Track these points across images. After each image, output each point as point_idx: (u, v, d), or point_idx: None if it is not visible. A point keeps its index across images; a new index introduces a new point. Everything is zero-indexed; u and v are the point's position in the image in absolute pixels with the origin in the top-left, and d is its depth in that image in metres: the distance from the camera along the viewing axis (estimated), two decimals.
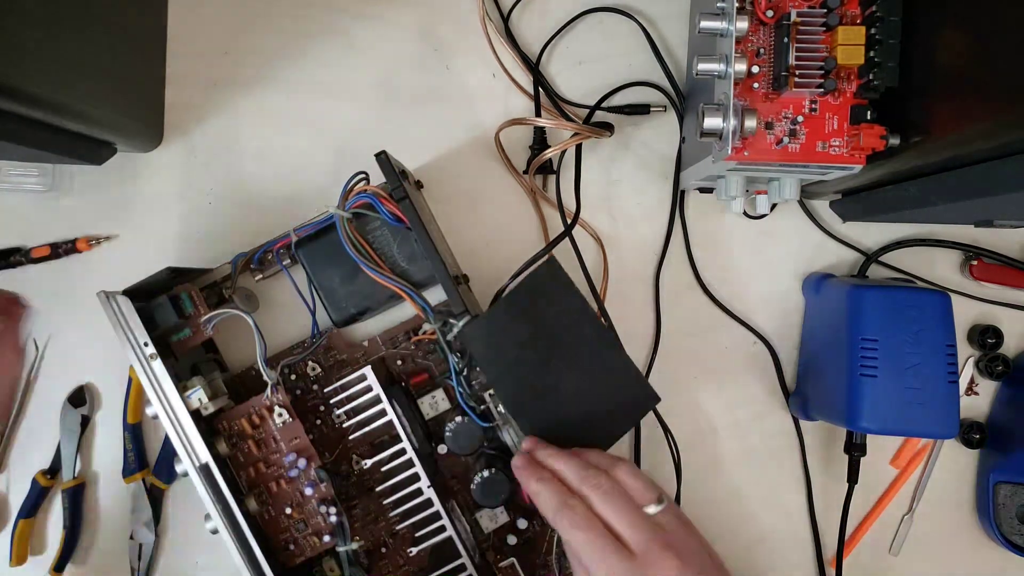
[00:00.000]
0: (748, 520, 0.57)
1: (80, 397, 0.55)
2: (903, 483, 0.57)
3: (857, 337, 0.48)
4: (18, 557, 0.54)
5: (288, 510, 0.49)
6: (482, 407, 0.49)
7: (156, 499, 0.55)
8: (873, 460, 0.55)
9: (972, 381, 0.57)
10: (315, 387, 0.52)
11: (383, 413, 0.50)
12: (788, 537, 0.57)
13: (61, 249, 0.54)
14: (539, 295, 0.46)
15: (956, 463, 0.57)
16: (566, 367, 0.45)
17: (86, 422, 0.55)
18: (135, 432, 0.54)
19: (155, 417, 0.46)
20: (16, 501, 0.55)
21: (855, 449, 0.52)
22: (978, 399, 0.57)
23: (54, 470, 0.55)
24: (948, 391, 0.47)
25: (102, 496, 0.55)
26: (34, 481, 0.54)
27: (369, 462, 0.51)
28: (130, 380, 0.54)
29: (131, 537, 0.54)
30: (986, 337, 0.55)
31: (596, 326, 0.46)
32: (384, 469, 0.51)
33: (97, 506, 0.55)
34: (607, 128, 0.54)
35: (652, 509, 0.40)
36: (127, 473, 0.54)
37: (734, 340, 0.57)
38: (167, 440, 0.55)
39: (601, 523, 0.39)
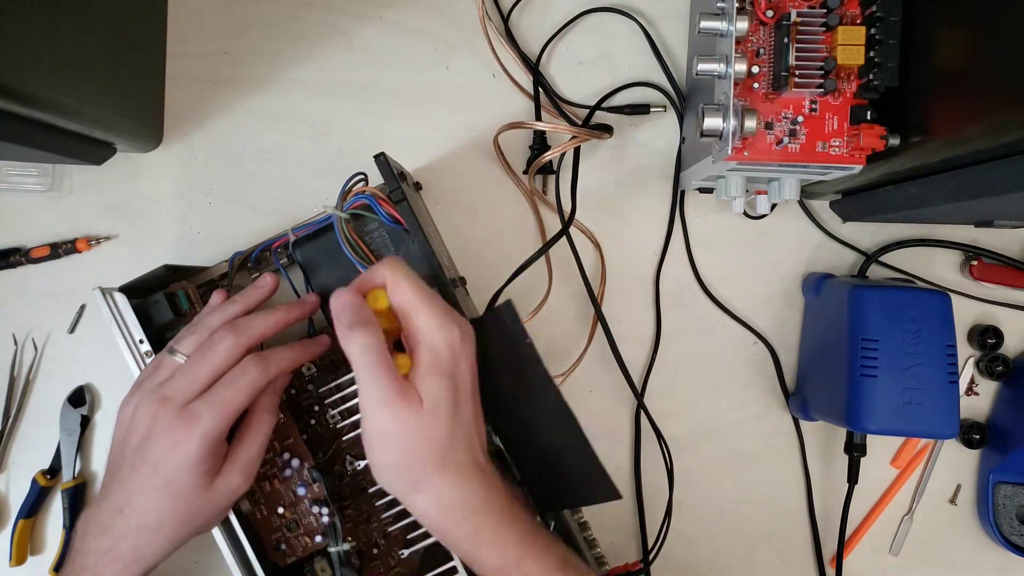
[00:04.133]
0: (748, 520, 0.57)
1: (80, 397, 0.55)
2: (903, 483, 0.57)
3: (857, 337, 0.48)
4: (18, 557, 0.54)
5: (280, 510, 0.48)
6: None
7: None
8: (873, 460, 0.55)
9: (972, 381, 0.57)
10: (310, 387, 0.52)
11: None
12: (788, 537, 0.57)
13: (61, 249, 0.55)
14: (502, 338, 0.43)
15: (956, 463, 0.57)
16: (531, 416, 0.44)
17: (86, 422, 0.55)
18: None
19: None
20: (16, 501, 0.55)
21: (855, 449, 0.52)
22: (978, 399, 0.57)
23: (54, 470, 0.55)
24: (948, 391, 0.47)
25: None
26: (34, 481, 0.54)
27: (363, 463, 0.51)
28: None
29: None
30: (986, 337, 0.55)
31: (559, 406, 0.43)
32: None
33: None
34: (606, 130, 0.54)
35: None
36: None
37: (734, 340, 0.57)
38: None
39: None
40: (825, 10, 0.42)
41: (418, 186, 0.55)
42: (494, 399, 0.44)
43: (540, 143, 0.55)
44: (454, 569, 0.49)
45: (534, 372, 0.42)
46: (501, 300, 0.49)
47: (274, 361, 0.44)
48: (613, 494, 0.42)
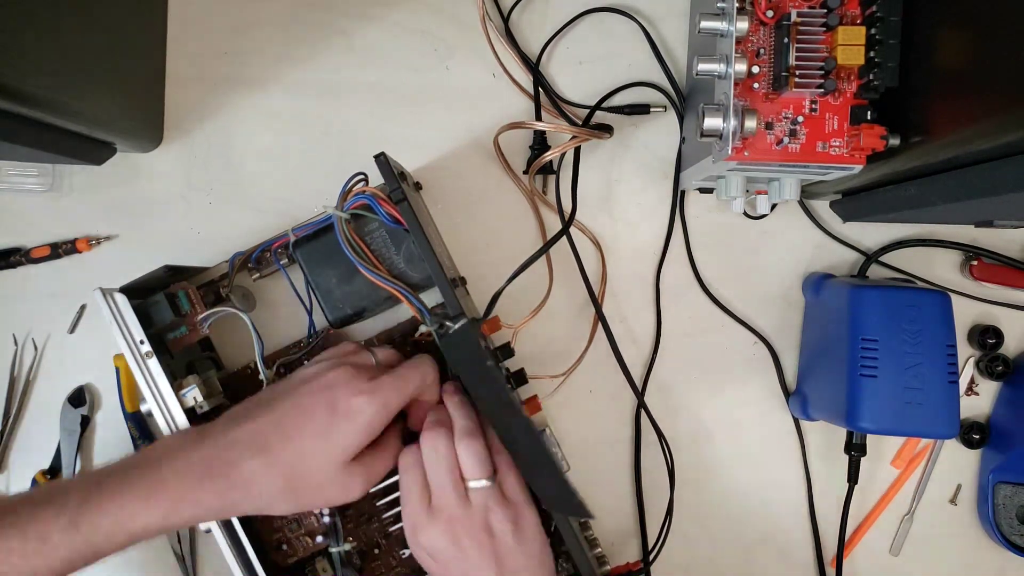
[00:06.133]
0: (748, 520, 0.57)
1: (80, 397, 0.55)
2: (903, 483, 0.57)
3: (857, 337, 0.48)
4: None
5: None
6: None
7: None
8: (873, 460, 0.55)
9: (972, 381, 0.57)
10: None
11: None
12: (788, 537, 0.57)
13: (61, 249, 0.55)
14: (468, 357, 0.43)
15: (956, 463, 0.57)
16: (509, 428, 0.44)
17: (86, 422, 0.55)
18: (137, 420, 0.54)
19: (149, 414, 0.46)
20: None
21: (855, 449, 0.52)
22: (978, 399, 0.57)
23: (54, 470, 0.55)
24: (948, 391, 0.47)
25: None
26: (34, 481, 0.54)
27: None
28: (117, 369, 0.54)
29: None
30: (986, 337, 0.55)
31: (528, 432, 0.43)
32: None
33: None
34: (606, 130, 0.54)
35: (472, 484, 0.43)
36: None
37: (734, 340, 0.57)
38: None
39: (422, 473, 0.44)
40: (825, 10, 0.42)
41: (418, 186, 0.55)
42: (479, 401, 0.45)
43: (540, 143, 0.55)
44: None
45: (501, 393, 0.43)
46: (501, 300, 0.49)
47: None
48: (584, 514, 0.43)
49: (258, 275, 0.54)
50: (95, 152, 0.51)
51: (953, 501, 0.57)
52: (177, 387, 0.47)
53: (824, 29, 0.42)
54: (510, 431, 0.44)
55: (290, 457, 0.41)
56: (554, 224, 0.56)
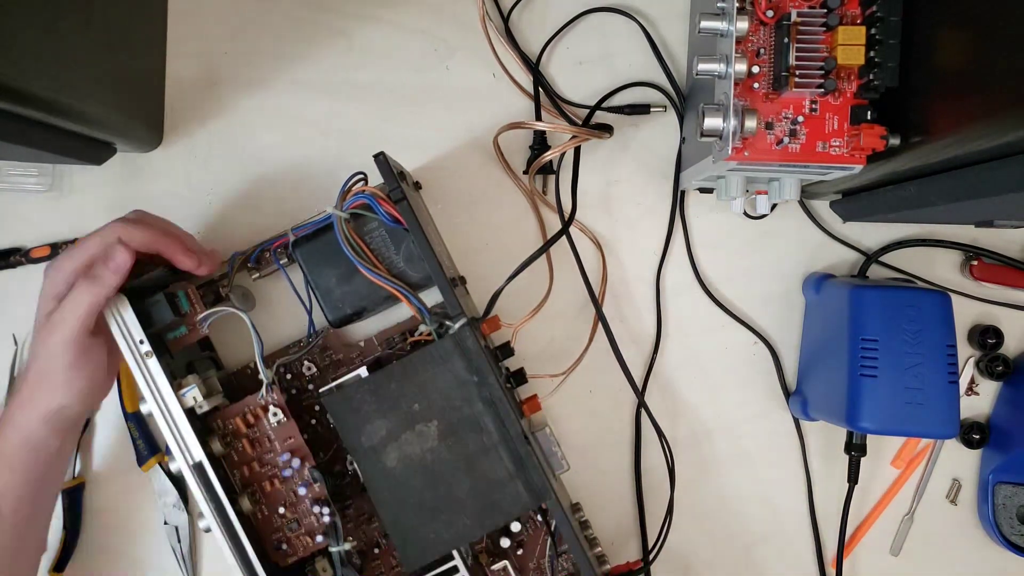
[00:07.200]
0: (749, 520, 0.57)
1: None
2: (903, 483, 0.57)
3: (857, 337, 0.48)
4: None
5: (281, 510, 0.48)
6: None
7: (177, 479, 0.54)
8: (873, 460, 0.55)
9: (972, 381, 0.57)
10: (310, 387, 0.52)
11: None
12: (788, 537, 0.57)
13: (61, 249, 0.55)
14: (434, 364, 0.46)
15: (956, 463, 0.57)
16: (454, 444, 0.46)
17: (86, 422, 0.55)
18: (138, 420, 0.54)
19: (149, 415, 0.46)
20: None
21: (855, 449, 0.52)
22: (978, 399, 0.57)
23: None
24: (948, 391, 0.47)
25: (102, 496, 0.55)
26: None
27: None
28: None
29: (165, 522, 0.54)
30: (986, 337, 0.55)
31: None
32: None
33: (97, 506, 0.55)
34: (606, 130, 0.54)
35: None
36: (142, 461, 0.54)
37: (734, 340, 0.57)
38: None
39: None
40: (825, 10, 0.42)
41: (418, 185, 0.55)
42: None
43: (540, 143, 0.55)
44: (455, 568, 0.49)
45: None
46: (500, 299, 0.49)
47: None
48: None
49: (258, 275, 0.54)
50: (95, 152, 0.51)
51: (953, 501, 0.57)
52: (177, 387, 0.47)
53: (824, 29, 0.42)
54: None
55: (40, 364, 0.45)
56: (554, 224, 0.56)
